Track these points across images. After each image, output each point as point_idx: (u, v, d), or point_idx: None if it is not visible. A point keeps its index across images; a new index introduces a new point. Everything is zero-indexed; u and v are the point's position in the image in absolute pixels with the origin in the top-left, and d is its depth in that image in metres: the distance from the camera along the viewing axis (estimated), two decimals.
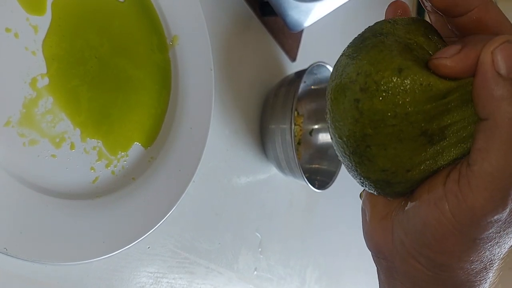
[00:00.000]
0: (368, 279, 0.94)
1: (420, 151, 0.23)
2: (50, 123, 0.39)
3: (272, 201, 0.66)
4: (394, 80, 0.22)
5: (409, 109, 0.22)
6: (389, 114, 0.22)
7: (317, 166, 0.69)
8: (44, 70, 0.39)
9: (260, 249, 0.63)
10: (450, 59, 0.22)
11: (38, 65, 0.39)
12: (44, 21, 0.40)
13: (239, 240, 0.59)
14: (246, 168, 0.62)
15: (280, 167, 0.62)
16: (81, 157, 0.41)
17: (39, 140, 0.38)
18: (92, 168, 0.42)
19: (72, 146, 0.41)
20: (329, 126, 0.26)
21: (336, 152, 0.26)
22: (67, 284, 0.40)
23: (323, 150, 0.69)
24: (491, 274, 0.24)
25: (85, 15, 0.43)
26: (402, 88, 0.22)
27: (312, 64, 0.61)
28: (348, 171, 0.26)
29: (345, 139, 0.24)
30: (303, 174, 0.58)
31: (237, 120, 0.61)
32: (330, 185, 0.64)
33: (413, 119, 0.22)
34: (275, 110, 0.61)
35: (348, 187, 0.87)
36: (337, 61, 0.25)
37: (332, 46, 0.84)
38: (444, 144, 0.23)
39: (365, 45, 0.24)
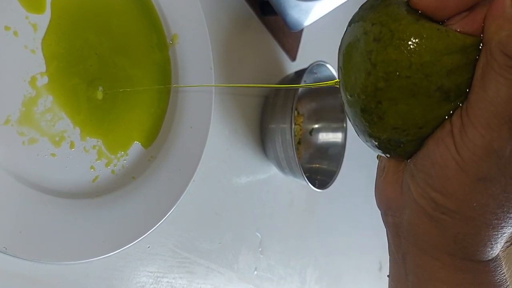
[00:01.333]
0: (369, 279, 0.94)
1: (434, 107, 0.22)
2: (50, 121, 0.39)
3: (272, 201, 0.66)
4: (411, 27, 0.21)
5: (425, 58, 0.21)
6: (403, 64, 0.21)
7: (317, 165, 0.69)
8: (44, 69, 0.39)
9: (260, 249, 0.63)
10: (457, 24, 0.21)
11: (37, 63, 0.38)
12: (43, 19, 0.39)
13: (239, 240, 0.59)
14: (246, 167, 0.62)
15: (280, 166, 0.62)
16: (81, 156, 0.41)
17: (38, 138, 0.38)
18: (92, 167, 0.42)
19: (71, 145, 0.40)
20: (341, 86, 0.25)
21: (347, 115, 0.25)
22: (67, 283, 0.40)
23: (323, 150, 0.69)
24: (499, 242, 0.23)
25: (85, 14, 0.43)
26: (418, 34, 0.21)
27: (312, 64, 0.61)
28: (358, 134, 0.26)
29: (356, 95, 0.23)
30: (303, 174, 0.58)
31: (237, 119, 0.60)
32: (331, 185, 0.64)
33: (428, 71, 0.21)
34: (275, 109, 0.61)
35: (348, 187, 0.87)
36: (351, 21, 0.25)
37: (332, 46, 0.84)
38: (461, 100, 0.22)
39: (380, 2, 0.23)
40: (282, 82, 0.63)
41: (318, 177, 0.67)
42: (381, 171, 0.28)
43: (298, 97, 0.60)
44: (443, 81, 0.21)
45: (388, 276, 0.28)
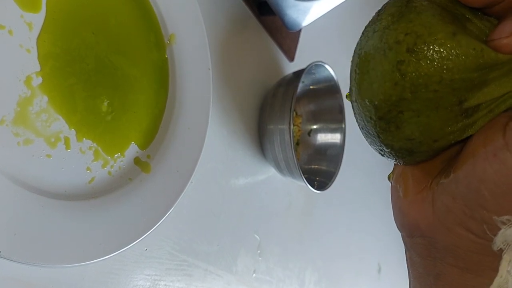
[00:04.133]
0: (368, 281, 0.94)
1: (453, 122, 0.22)
2: (45, 122, 0.38)
3: (270, 202, 0.66)
4: (448, 43, 0.21)
5: (457, 75, 0.21)
6: (434, 79, 0.21)
7: (316, 166, 0.68)
8: (39, 68, 0.38)
9: (259, 251, 0.62)
10: (508, 38, 0.21)
11: (32, 63, 0.38)
12: (39, 18, 0.39)
13: (237, 242, 0.58)
14: (245, 169, 0.61)
15: (278, 167, 0.62)
16: (77, 157, 0.40)
17: (33, 139, 0.37)
18: (88, 169, 0.41)
19: (67, 146, 0.40)
20: (355, 87, 0.24)
21: (357, 116, 0.25)
22: (63, 286, 0.39)
23: (322, 151, 0.69)
24: None
25: (81, 13, 0.42)
26: (454, 52, 0.21)
27: (310, 64, 0.60)
28: (366, 137, 0.25)
29: (376, 102, 0.23)
30: (302, 175, 0.58)
31: (235, 120, 0.60)
32: (330, 186, 0.64)
33: (456, 86, 0.21)
34: (273, 110, 0.60)
35: (347, 188, 0.86)
36: (376, 24, 0.24)
37: (330, 46, 0.84)
38: (478, 116, 0.22)
39: (412, 7, 0.22)
40: (280, 82, 0.62)
41: (317, 178, 0.66)
42: (397, 191, 0.26)
43: (296, 98, 0.59)
44: (466, 94, 0.21)
45: None
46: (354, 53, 0.25)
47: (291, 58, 0.71)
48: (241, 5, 0.63)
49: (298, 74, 0.61)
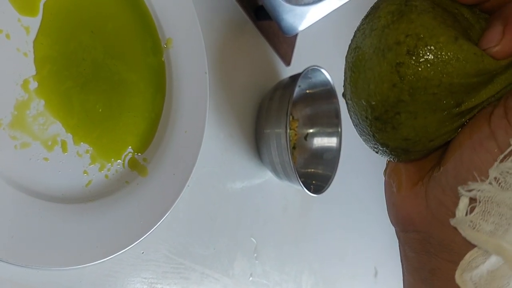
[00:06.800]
0: (364, 285, 0.94)
1: (449, 123, 0.22)
2: (42, 125, 0.38)
3: (267, 206, 0.66)
4: (449, 47, 0.20)
5: (456, 80, 0.21)
6: (433, 82, 0.21)
7: (312, 170, 0.68)
8: (36, 72, 0.38)
9: (255, 255, 0.62)
10: (498, 46, 0.21)
11: (30, 66, 0.38)
12: (36, 22, 0.39)
13: (234, 246, 0.59)
14: (241, 172, 0.62)
15: (275, 171, 0.62)
16: (74, 161, 0.41)
17: (31, 143, 0.37)
18: (85, 172, 0.41)
19: (64, 149, 0.40)
20: (350, 86, 0.24)
21: (352, 115, 0.25)
22: None
23: (318, 155, 0.69)
24: None
25: (78, 17, 0.42)
26: (455, 56, 0.20)
27: (306, 68, 0.61)
28: (360, 135, 0.25)
29: (373, 103, 0.22)
30: (298, 179, 0.58)
31: (232, 124, 0.60)
32: (326, 190, 0.64)
33: (455, 90, 0.21)
34: (270, 114, 0.61)
35: (344, 192, 0.86)
36: (369, 19, 0.23)
37: (326, 50, 0.84)
38: (472, 114, 0.22)
39: (413, 6, 0.22)
40: (277, 86, 0.63)
41: (313, 182, 0.66)
42: (390, 186, 0.26)
43: (293, 102, 0.60)
44: (464, 98, 0.21)
45: None
46: (349, 49, 0.25)
47: (287, 62, 0.72)
48: (237, 10, 0.63)
49: (294, 78, 0.61)
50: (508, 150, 0.20)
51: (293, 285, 0.71)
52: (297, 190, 0.71)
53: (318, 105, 0.69)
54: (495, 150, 0.20)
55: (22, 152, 0.37)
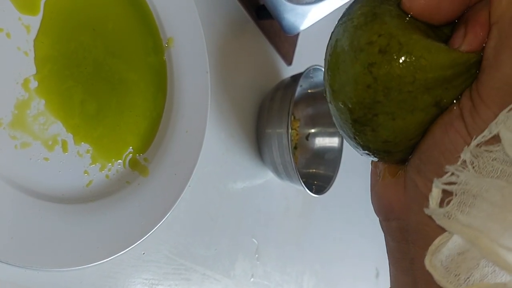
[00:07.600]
0: (366, 286, 0.93)
1: (428, 121, 0.21)
2: (43, 125, 0.38)
3: (268, 206, 0.65)
4: (422, 42, 0.20)
5: (430, 74, 0.20)
6: (407, 80, 0.20)
7: (314, 170, 0.68)
8: (36, 71, 0.38)
9: (257, 255, 0.62)
10: (463, 45, 0.21)
11: (30, 65, 0.38)
12: (37, 21, 0.39)
13: (235, 246, 0.58)
14: (242, 172, 0.61)
15: (276, 171, 0.62)
16: (75, 160, 0.40)
17: (31, 142, 0.37)
18: (85, 172, 0.41)
19: (65, 149, 0.40)
20: (329, 90, 0.24)
21: (334, 118, 0.24)
22: None
23: (320, 155, 0.69)
24: None
25: (79, 16, 0.42)
26: (427, 49, 0.20)
27: (308, 68, 0.60)
28: (345, 138, 0.25)
29: (350, 105, 0.22)
30: (300, 179, 0.57)
31: (233, 124, 0.60)
32: (328, 190, 0.64)
33: (431, 86, 0.20)
34: (271, 114, 0.60)
35: (345, 192, 0.86)
36: (342, 21, 0.23)
37: None
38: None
39: (387, 10, 0.21)
40: (278, 86, 0.62)
41: (315, 182, 0.66)
42: (376, 175, 0.26)
43: (294, 102, 0.59)
44: (442, 94, 0.21)
45: None
46: (326, 51, 0.24)
47: (289, 62, 0.71)
48: (239, 9, 0.63)
49: (296, 78, 0.61)
50: (481, 136, 0.20)
51: (295, 286, 0.70)
52: (298, 190, 0.70)
53: (320, 105, 0.69)
54: (463, 131, 0.20)
55: (22, 152, 0.37)
